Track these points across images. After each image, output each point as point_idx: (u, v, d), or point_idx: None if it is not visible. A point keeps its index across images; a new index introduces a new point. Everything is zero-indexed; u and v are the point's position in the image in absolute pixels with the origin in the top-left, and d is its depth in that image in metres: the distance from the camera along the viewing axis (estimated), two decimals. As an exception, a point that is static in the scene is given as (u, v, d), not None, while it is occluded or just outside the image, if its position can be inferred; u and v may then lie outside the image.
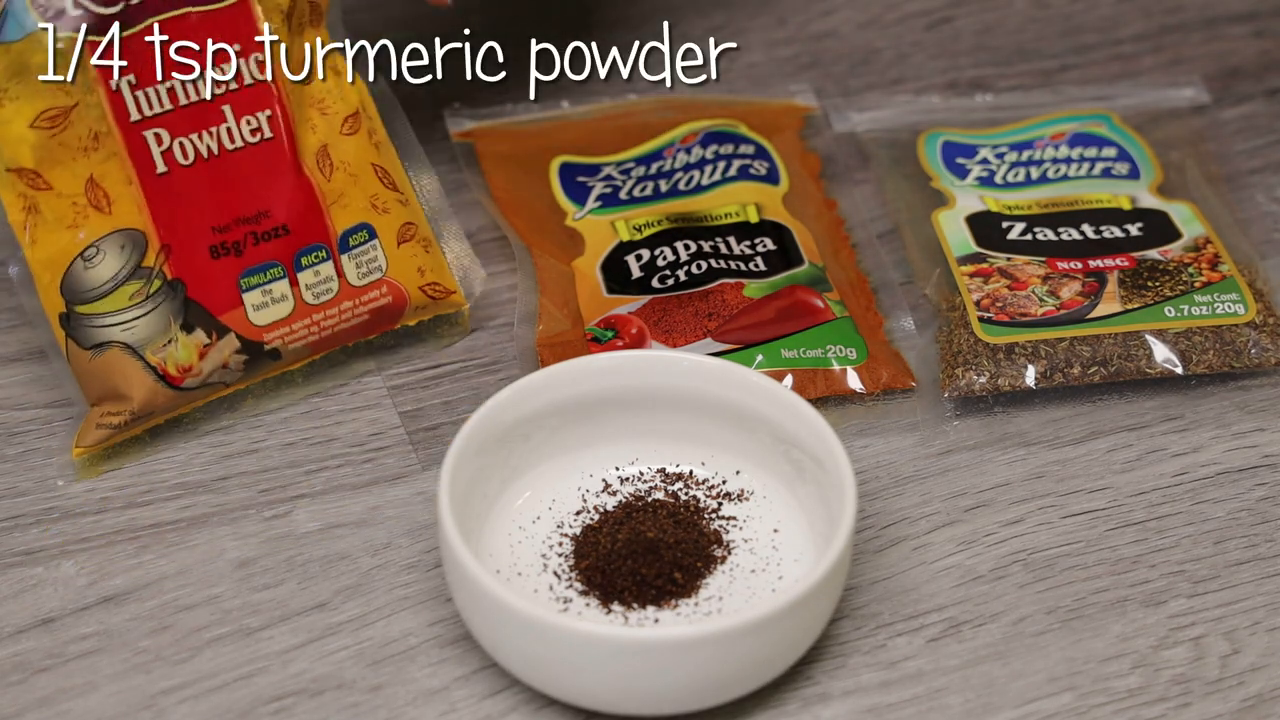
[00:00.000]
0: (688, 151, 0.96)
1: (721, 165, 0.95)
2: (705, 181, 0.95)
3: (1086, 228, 0.92)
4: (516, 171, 0.96)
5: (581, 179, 0.95)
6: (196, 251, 0.84)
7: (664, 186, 0.95)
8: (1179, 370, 0.88)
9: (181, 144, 0.84)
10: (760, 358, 0.87)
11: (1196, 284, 0.89)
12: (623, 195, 0.94)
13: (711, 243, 0.91)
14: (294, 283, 0.85)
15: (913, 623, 0.80)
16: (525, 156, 0.97)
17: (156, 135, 0.83)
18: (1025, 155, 0.97)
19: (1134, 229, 0.92)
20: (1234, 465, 0.86)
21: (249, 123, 0.85)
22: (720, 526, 0.82)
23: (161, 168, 0.83)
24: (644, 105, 1.00)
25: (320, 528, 0.83)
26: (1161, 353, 0.88)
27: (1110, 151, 0.97)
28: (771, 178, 0.95)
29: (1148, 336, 0.88)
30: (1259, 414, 0.88)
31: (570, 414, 0.83)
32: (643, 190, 0.95)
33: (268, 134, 0.85)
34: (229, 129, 0.84)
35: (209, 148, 0.84)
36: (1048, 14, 1.06)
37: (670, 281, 0.90)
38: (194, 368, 0.84)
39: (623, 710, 0.76)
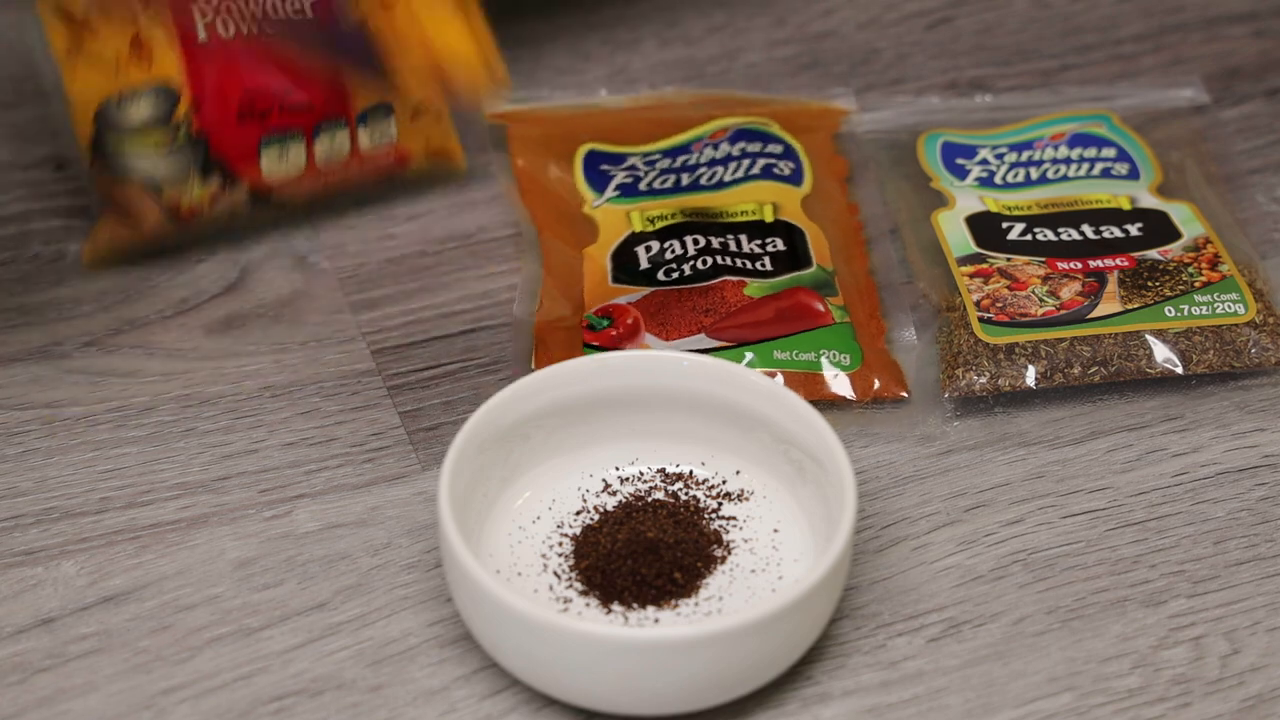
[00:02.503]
0: (715, 147, 0.96)
1: (746, 163, 0.95)
2: (728, 178, 0.94)
3: (1086, 228, 0.92)
4: (544, 155, 0.96)
5: (605, 167, 0.95)
6: (225, 113, 0.89)
7: (685, 180, 0.94)
8: (1179, 370, 0.88)
9: (224, 18, 0.88)
10: (750, 356, 0.87)
11: (1196, 284, 0.89)
12: (642, 187, 0.94)
13: (721, 239, 0.91)
14: (310, 147, 0.91)
15: (913, 623, 0.80)
16: (554, 141, 0.97)
17: (200, 8, 0.88)
18: (1025, 156, 0.97)
19: (1134, 229, 0.92)
20: (1234, 465, 0.86)
21: (293, 2, 0.88)
22: (720, 526, 0.82)
23: (203, 36, 0.88)
24: (681, 98, 1.00)
25: (320, 528, 0.83)
26: (1162, 353, 0.88)
27: (1110, 152, 0.97)
28: (795, 179, 0.95)
29: (1148, 336, 0.88)
30: (1259, 414, 0.88)
31: (570, 414, 0.82)
32: (663, 183, 0.94)
33: (309, 14, 0.88)
34: (274, 3, 0.89)
35: (249, 26, 0.89)
36: (1048, 14, 1.06)
37: (675, 275, 0.90)
38: (203, 209, 0.90)
39: (623, 710, 0.76)
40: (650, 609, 0.79)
